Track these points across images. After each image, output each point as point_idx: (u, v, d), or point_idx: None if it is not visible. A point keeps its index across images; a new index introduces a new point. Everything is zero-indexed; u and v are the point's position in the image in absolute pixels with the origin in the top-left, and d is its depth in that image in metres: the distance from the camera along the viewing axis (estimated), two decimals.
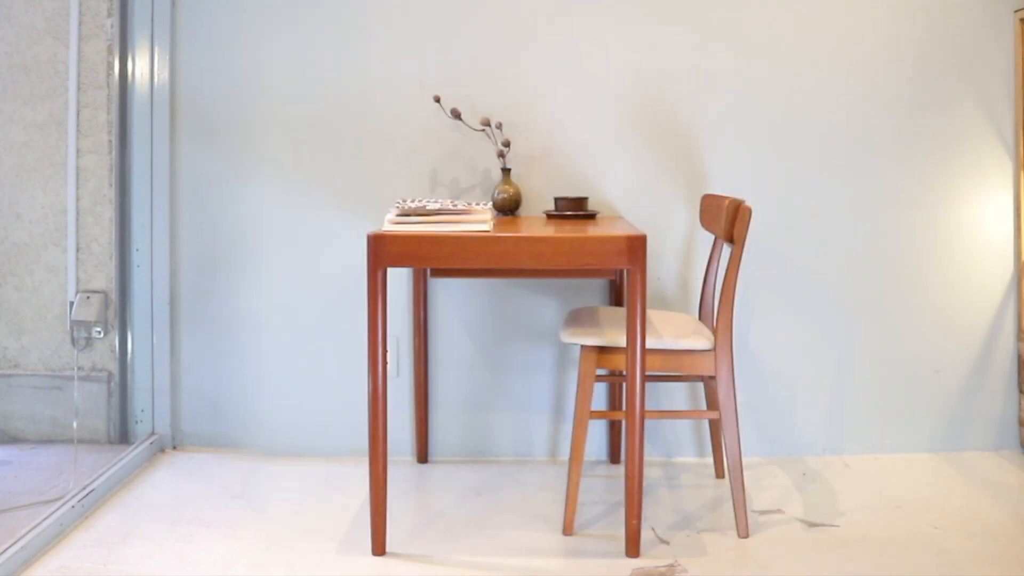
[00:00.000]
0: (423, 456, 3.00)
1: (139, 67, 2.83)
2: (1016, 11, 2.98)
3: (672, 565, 2.23)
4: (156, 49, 2.84)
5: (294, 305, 3.02)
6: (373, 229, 2.39)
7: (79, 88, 2.80)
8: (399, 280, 3.01)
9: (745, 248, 2.44)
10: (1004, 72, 2.99)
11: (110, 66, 2.80)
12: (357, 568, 2.21)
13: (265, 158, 2.98)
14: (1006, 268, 3.04)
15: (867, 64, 2.99)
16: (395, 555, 2.28)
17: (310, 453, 3.03)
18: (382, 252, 2.20)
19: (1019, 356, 3.04)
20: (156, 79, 2.85)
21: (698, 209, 2.96)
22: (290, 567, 2.21)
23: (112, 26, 2.79)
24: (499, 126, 2.94)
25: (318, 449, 3.03)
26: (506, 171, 2.86)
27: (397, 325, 3.02)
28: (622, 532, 2.37)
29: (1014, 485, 2.76)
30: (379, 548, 2.28)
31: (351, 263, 3.00)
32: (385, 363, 2.24)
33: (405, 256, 2.21)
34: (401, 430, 3.03)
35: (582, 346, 2.39)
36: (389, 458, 2.96)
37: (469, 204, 2.33)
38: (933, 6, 2.99)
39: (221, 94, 2.94)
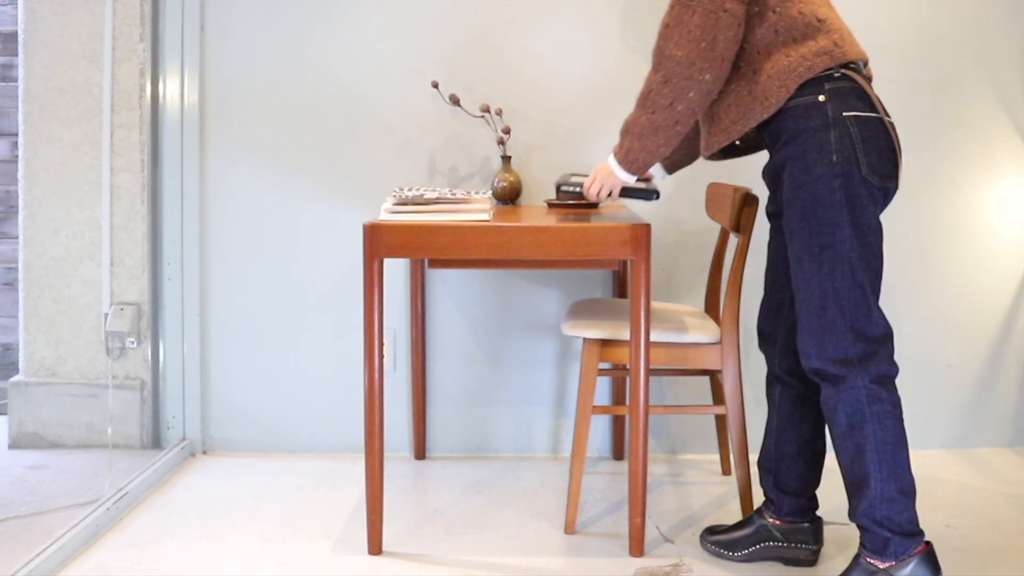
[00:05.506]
0: (421, 452, 2.95)
1: (170, 89, 2.94)
2: None
3: (677, 564, 2.19)
4: (186, 72, 2.93)
5: (290, 299, 2.97)
6: (369, 219, 2.34)
7: (113, 110, 2.90)
8: (396, 271, 2.96)
9: (752, 238, 2.40)
10: (1017, 54, 2.93)
11: (142, 88, 2.90)
12: (353, 567, 2.16)
13: (286, 165, 2.93)
14: (1020, 259, 2.98)
15: (876, 48, 2.92)
16: (392, 554, 2.24)
17: (304, 450, 2.98)
18: (379, 242, 2.15)
19: None
20: (186, 100, 2.93)
21: (703, 198, 2.91)
22: (285, 567, 2.16)
23: (144, 50, 2.89)
24: (499, 112, 2.88)
25: (313, 446, 2.99)
26: (506, 159, 2.80)
27: (394, 317, 2.96)
28: (625, 530, 2.33)
29: None
30: (375, 547, 2.23)
31: (346, 254, 2.95)
32: (382, 356, 2.19)
33: (402, 246, 2.16)
34: (398, 425, 2.98)
35: (584, 339, 2.34)
36: (386, 454, 2.93)
37: (468, 193, 2.29)
38: None
39: (247, 112, 2.93)
